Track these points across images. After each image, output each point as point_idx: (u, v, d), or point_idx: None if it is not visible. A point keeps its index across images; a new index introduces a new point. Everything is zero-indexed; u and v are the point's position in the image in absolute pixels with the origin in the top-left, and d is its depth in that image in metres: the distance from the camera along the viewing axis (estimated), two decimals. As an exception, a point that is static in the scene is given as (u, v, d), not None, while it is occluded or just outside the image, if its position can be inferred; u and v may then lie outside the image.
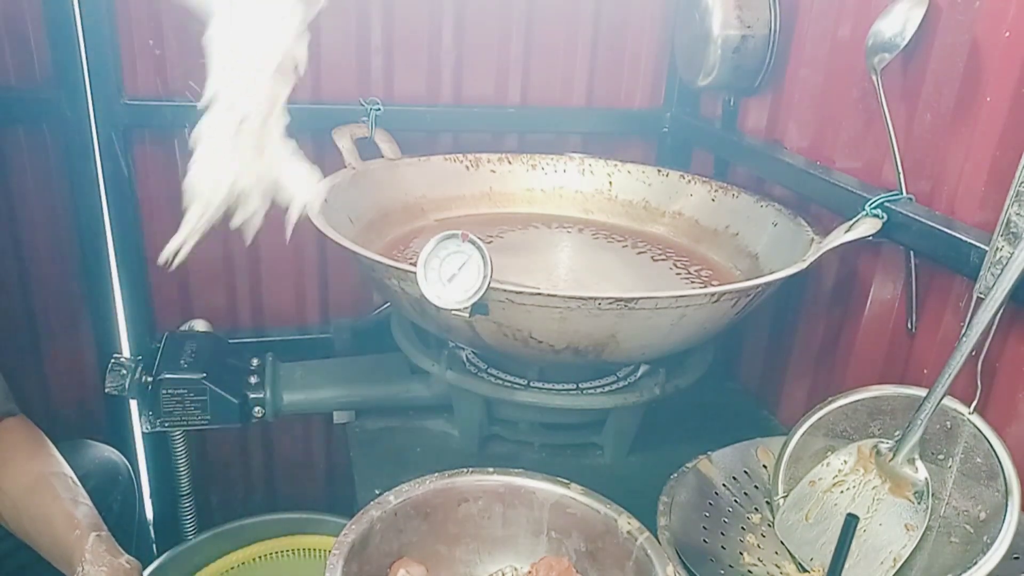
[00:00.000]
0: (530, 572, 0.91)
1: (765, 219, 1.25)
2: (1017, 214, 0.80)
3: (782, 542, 0.92)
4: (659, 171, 1.46)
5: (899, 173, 1.02)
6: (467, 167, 1.47)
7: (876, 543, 0.85)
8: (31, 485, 0.97)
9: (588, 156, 1.51)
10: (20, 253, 1.39)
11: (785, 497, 0.94)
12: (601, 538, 0.89)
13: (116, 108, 1.32)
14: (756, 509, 0.97)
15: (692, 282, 1.21)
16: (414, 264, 0.88)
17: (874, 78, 1.02)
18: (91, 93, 1.30)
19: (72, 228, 1.40)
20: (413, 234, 1.35)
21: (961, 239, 0.89)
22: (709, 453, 1.00)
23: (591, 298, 0.89)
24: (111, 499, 1.22)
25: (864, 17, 1.08)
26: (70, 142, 1.34)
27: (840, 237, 1.00)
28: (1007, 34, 0.89)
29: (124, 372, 1.18)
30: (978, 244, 0.86)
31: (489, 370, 1.17)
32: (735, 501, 0.97)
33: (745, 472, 1.00)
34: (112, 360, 1.19)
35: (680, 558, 0.84)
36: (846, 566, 0.76)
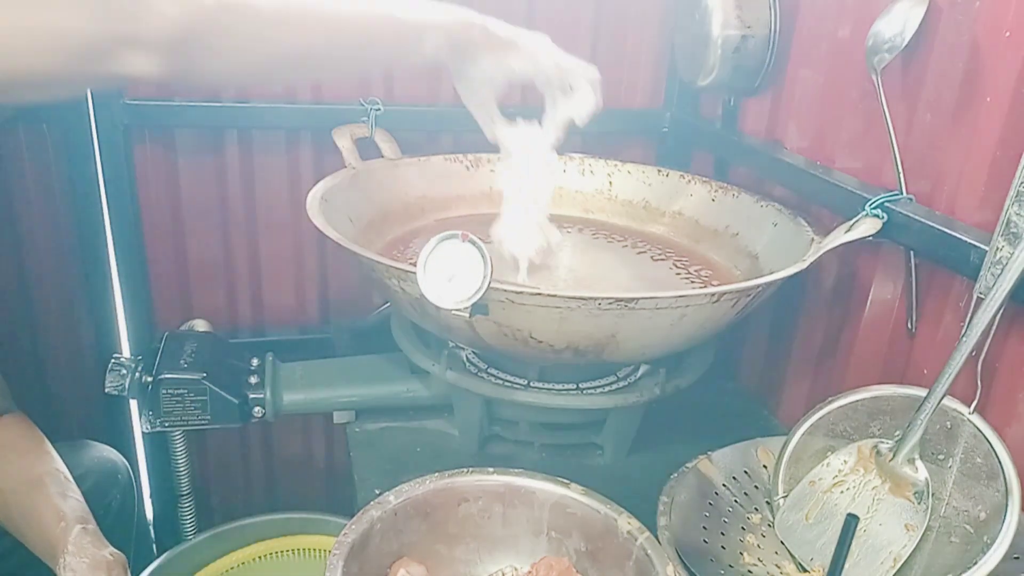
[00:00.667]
0: (530, 572, 0.90)
1: (765, 219, 1.25)
2: (1017, 214, 0.80)
3: (782, 542, 0.92)
4: (659, 171, 1.46)
5: (899, 173, 1.02)
6: (467, 167, 1.47)
7: (876, 543, 0.85)
8: (24, 482, 0.97)
9: (588, 156, 1.51)
10: (20, 253, 1.39)
11: (785, 497, 0.94)
12: (601, 538, 0.89)
13: (116, 108, 1.32)
14: (756, 509, 0.97)
15: (692, 282, 1.21)
16: (414, 264, 0.88)
17: (874, 78, 1.02)
18: (91, 93, 1.30)
19: (72, 228, 1.40)
20: (413, 234, 1.35)
21: (961, 239, 0.89)
22: (709, 453, 1.00)
23: (591, 298, 0.89)
24: (110, 498, 1.22)
25: (864, 17, 1.08)
26: (70, 142, 1.34)
27: (840, 237, 1.00)
28: (1007, 34, 0.89)
29: (124, 372, 1.18)
30: (978, 244, 0.86)
31: (489, 370, 1.17)
32: (735, 501, 0.97)
33: (745, 472, 1.00)
34: (112, 360, 1.19)
35: (680, 558, 0.84)
36: (846, 566, 0.76)
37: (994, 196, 0.90)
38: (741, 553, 0.90)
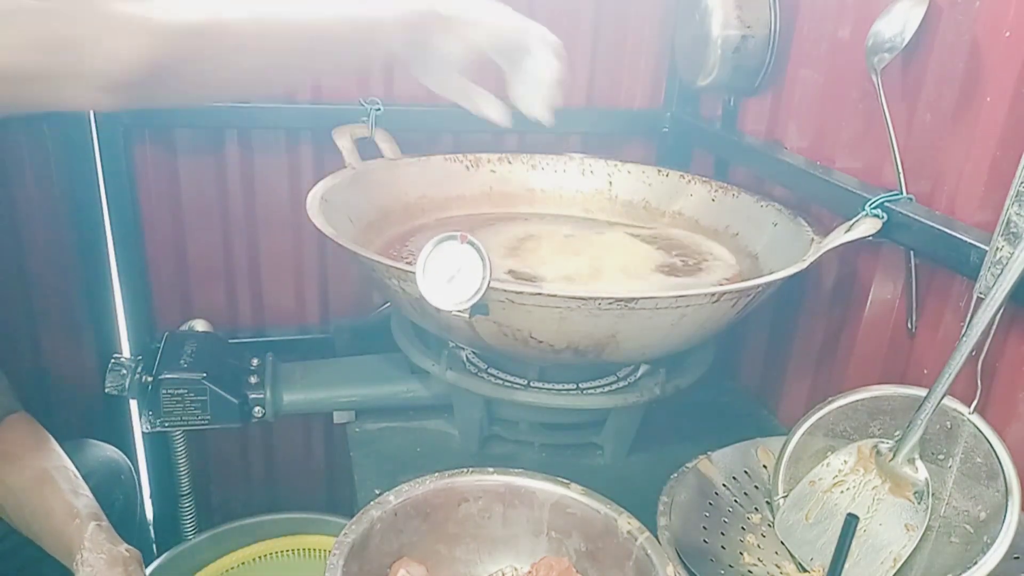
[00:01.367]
0: (530, 572, 0.91)
1: (765, 219, 1.25)
2: (1017, 214, 0.80)
3: (782, 542, 0.92)
4: (659, 171, 1.46)
5: (899, 173, 1.02)
6: (467, 167, 1.47)
7: (876, 543, 0.85)
8: (33, 480, 0.98)
9: (588, 156, 1.51)
10: (20, 253, 1.39)
11: (785, 497, 0.94)
12: (601, 538, 0.89)
13: (116, 108, 1.32)
14: (756, 509, 0.97)
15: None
16: (413, 264, 0.88)
17: (874, 78, 1.02)
18: (91, 93, 1.30)
19: (72, 228, 1.40)
20: (413, 234, 1.35)
21: (961, 239, 0.88)
22: (709, 453, 1.00)
23: (591, 298, 0.89)
24: (113, 498, 1.22)
25: (864, 17, 1.08)
26: (70, 142, 1.34)
27: (840, 237, 1.00)
28: (1007, 34, 0.89)
29: (124, 372, 1.18)
30: (978, 244, 0.86)
31: (489, 370, 1.17)
32: (735, 501, 0.97)
33: (745, 472, 1.00)
34: (112, 360, 1.19)
35: (680, 558, 0.84)
36: (846, 566, 0.76)
37: (994, 196, 0.90)
38: (741, 553, 0.90)
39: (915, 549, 0.83)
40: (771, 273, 1.03)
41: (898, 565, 0.83)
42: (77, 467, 1.04)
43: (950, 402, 0.84)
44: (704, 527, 0.91)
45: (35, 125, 1.34)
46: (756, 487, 0.99)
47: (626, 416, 1.15)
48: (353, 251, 1.00)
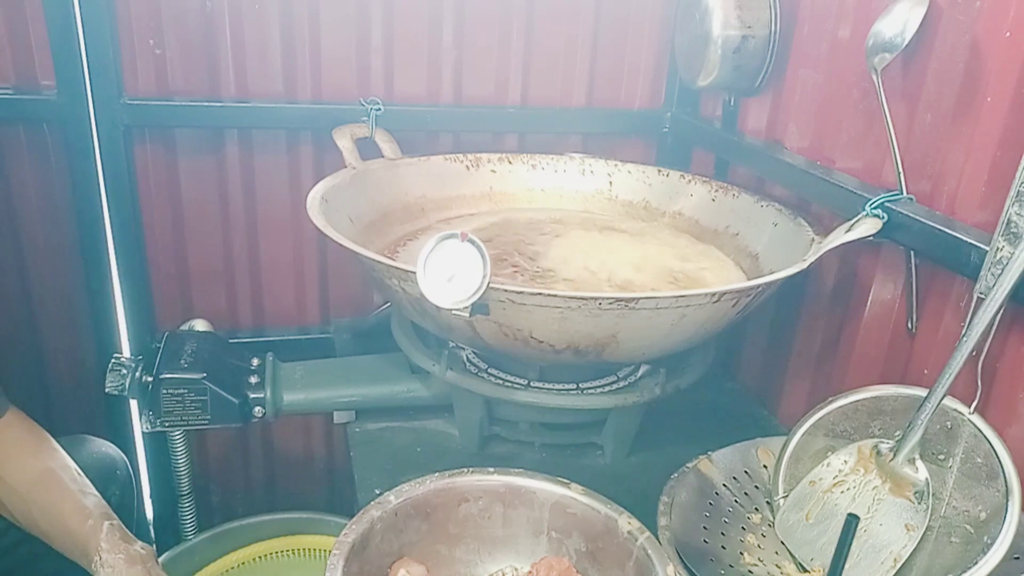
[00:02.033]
0: (530, 572, 0.91)
1: (765, 219, 1.25)
2: (1017, 214, 0.80)
3: (782, 542, 0.92)
4: (659, 171, 1.46)
5: (899, 173, 1.02)
6: (467, 167, 1.47)
7: (876, 543, 0.85)
8: (38, 478, 0.98)
9: (588, 156, 1.51)
10: (20, 253, 1.39)
11: (785, 497, 0.94)
12: (601, 538, 0.89)
13: (116, 108, 1.32)
14: (756, 509, 0.97)
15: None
16: (414, 264, 0.88)
17: (874, 78, 1.02)
18: (91, 93, 1.30)
19: (72, 228, 1.40)
20: (413, 234, 1.35)
21: (961, 239, 0.89)
22: (709, 453, 1.00)
23: (591, 298, 0.89)
24: (109, 494, 1.21)
25: (864, 17, 1.08)
26: (70, 142, 1.34)
27: (840, 237, 1.00)
28: (1007, 34, 0.89)
29: (124, 372, 1.18)
30: (978, 244, 0.86)
31: (489, 370, 1.17)
32: (735, 501, 0.97)
33: (745, 472, 1.00)
34: (112, 360, 1.19)
35: (680, 558, 0.84)
36: (846, 566, 0.76)
37: (994, 196, 0.90)
38: (741, 553, 0.90)
39: (915, 549, 0.83)
40: (771, 273, 1.03)
41: (898, 565, 0.83)
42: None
43: (950, 402, 0.84)
44: (704, 527, 0.91)
45: (35, 125, 1.34)
46: (756, 487, 0.99)
47: (626, 416, 1.15)
48: (353, 251, 1.00)
